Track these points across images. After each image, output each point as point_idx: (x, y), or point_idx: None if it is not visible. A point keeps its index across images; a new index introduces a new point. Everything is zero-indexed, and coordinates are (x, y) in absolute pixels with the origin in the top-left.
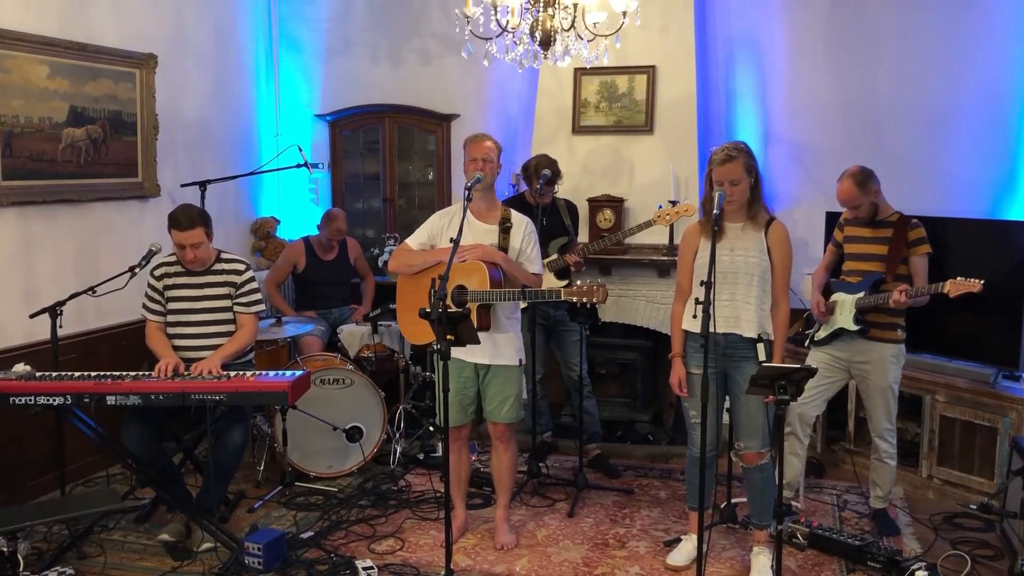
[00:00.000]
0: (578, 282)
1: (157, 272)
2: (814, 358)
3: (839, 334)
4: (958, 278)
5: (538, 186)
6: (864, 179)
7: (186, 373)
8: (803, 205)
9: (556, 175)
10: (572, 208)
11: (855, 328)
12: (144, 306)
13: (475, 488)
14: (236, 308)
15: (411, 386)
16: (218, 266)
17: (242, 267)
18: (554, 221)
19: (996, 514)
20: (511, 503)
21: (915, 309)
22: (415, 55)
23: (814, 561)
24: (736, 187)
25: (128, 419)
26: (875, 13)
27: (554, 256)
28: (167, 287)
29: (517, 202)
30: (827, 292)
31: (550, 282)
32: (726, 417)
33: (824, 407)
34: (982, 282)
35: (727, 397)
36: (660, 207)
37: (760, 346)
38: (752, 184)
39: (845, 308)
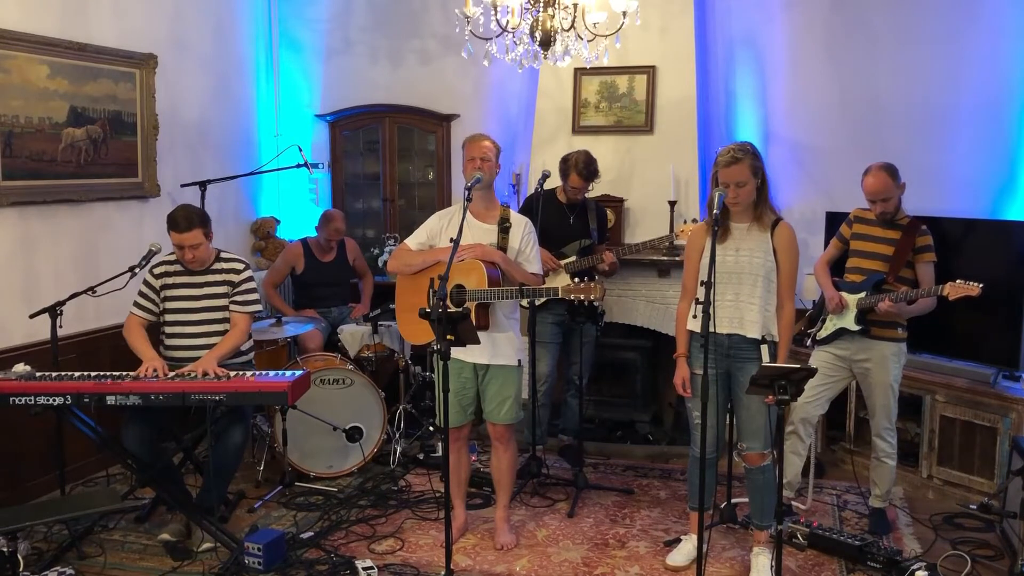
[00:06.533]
0: (575, 279)
1: (156, 271)
2: (816, 358)
3: (841, 333)
4: (958, 281)
5: (537, 185)
6: (894, 172)
7: (186, 374)
8: (803, 205)
9: (592, 175)
10: (601, 212)
11: (857, 328)
12: (135, 302)
13: (475, 488)
14: (232, 306)
15: (411, 386)
16: (217, 265)
17: (240, 266)
18: (580, 222)
19: (996, 514)
20: (511, 503)
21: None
22: (415, 55)
23: (814, 561)
24: (742, 188)
25: (128, 419)
26: (875, 13)
27: (572, 257)
28: (165, 286)
29: (549, 198)
30: None
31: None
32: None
33: (827, 407)
34: (980, 286)
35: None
36: (685, 222)
37: (764, 348)
38: (758, 185)
39: (847, 307)
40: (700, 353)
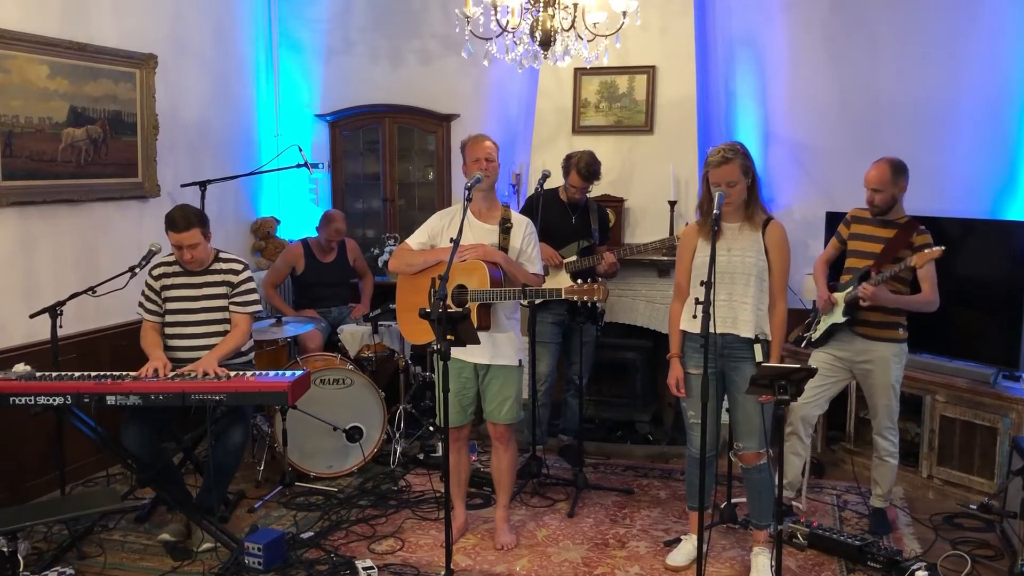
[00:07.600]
0: (578, 280)
1: (155, 272)
2: (816, 359)
3: (833, 331)
4: (924, 249)
5: (537, 185)
6: (898, 169)
7: (186, 373)
8: (803, 205)
9: (592, 175)
10: (603, 213)
11: (843, 319)
12: (140, 305)
13: (475, 488)
14: (231, 307)
15: (411, 386)
16: (216, 266)
17: (239, 267)
18: (582, 222)
19: (996, 514)
20: (511, 503)
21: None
22: (415, 55)
23: (814, 561)
24: (733, 188)
25: (128, 419)
26: (875, 13)
27: (573, 257)
28: (165, 287)
29: (551, 198)
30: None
31: (561, 282)
32: (725, 417)
33: (826, 407)
34: (942, 248)
35: (725, 397)
36: (687, 224)
37: (757, 347)
38: (749, 184)
39: (837, 304)
40: (694, 353)
